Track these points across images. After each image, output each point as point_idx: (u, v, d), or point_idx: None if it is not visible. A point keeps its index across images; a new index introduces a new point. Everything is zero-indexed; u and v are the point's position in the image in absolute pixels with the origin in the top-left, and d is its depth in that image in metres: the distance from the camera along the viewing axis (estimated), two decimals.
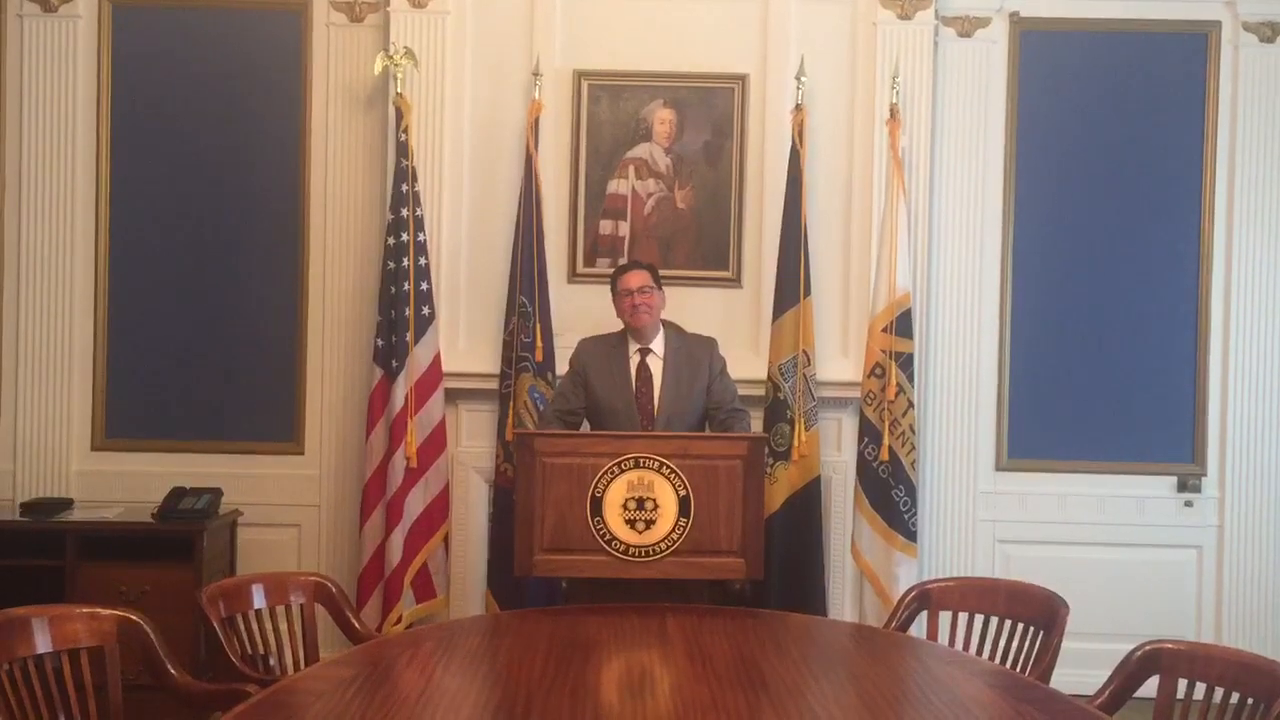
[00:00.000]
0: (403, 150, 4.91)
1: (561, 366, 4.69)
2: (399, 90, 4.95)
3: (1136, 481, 5.30)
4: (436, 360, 4.96)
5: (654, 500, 3.62)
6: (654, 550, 3.61)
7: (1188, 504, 5.29)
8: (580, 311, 5.01)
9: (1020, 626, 3.39)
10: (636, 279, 4.28)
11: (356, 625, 3.51)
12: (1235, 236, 5.26)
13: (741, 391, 4.50)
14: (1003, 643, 3.41)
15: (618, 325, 4.39)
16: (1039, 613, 3.34)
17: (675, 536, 3.61)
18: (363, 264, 5.24)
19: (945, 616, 3.56)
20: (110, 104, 5.25)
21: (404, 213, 4.87)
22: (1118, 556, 5.28)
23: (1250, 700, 2.62)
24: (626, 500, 3.62)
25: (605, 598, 3.59)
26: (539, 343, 4.89)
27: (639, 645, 3.12)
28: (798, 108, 4.95)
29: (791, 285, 4.88)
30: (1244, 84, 5.24)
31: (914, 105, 5.10)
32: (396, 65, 4.95)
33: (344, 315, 5.26)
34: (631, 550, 3.61)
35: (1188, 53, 5.28)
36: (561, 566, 3.72)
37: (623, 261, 4.89)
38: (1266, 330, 5.25)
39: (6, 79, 5.23)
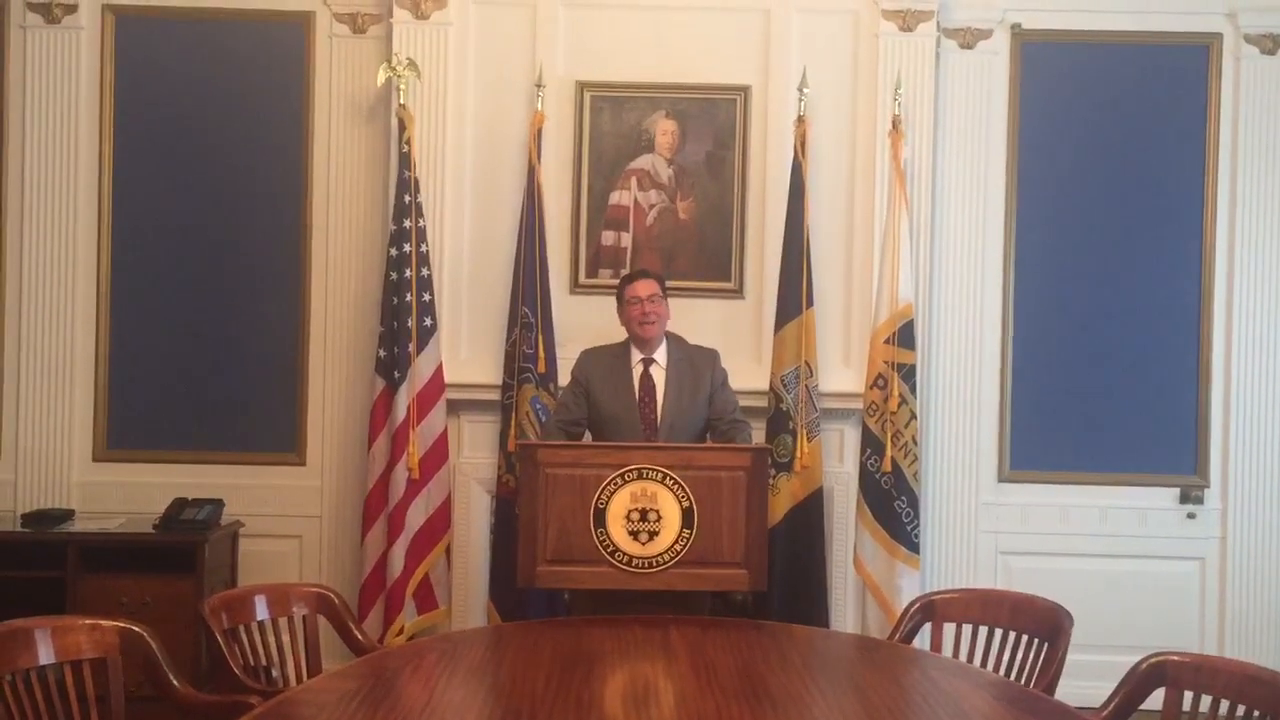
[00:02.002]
0: (405, 161, 4.91)
1: (564, 377, 4.68)
2: (401, 101, 4.95)
3: (1139, 493, 5.29)
4: (438, 371, 4.96)
5: (657, 511, 3.62)
6: (657, 561, 3.61)
7: (1190, 516, 5.28)
8: (582, 322, 5.00)
9: (1025, 638, 3.38)
10: (646, 288, 4.28)
11: (359, 636, 3.51)
12: (1237, 248, 5.25)
13: (743, 403, 4.51)
14: (1007, 655, 3.40)
15: (620, 335, 4.39)
16: (1043, 624, 3.34)
17: (679, 548, 3.60)
18: (365, 275, 5.24)
19: (949, 628, 3.55)
20: (113, 115, 5.26)
21: (406, 224, 4.87)
22: (1120, 568, 5.27)
23: (1257, 713, 2.62)
24: (629, 511, 3.61)
25: (608, 609, 3.58)
26: (541, 353, 4.89)
27: (642, 657, 3.11)
28: (800, 119, 4.96)
29: (794, 296, 4.88)
30: (1245, 96, 5.25)
31: (916, 116, 5.10)
32: (399, 76, 4.95)
33: (346, 326, 5.27)
34: (635, 561, 3.61)
35: (1189, 65, 5.29)
36: (564, 578, 3.71)
37: (625, 272, 4.89)
38: (1269, 342, 5.25)
39: (10, 90, 5.24)
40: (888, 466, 4.84)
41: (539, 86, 5.05)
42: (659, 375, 4.30)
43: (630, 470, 3.64)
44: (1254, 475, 5.25)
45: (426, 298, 4.91)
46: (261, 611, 3.40)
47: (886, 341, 4.88)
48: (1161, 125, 5.30)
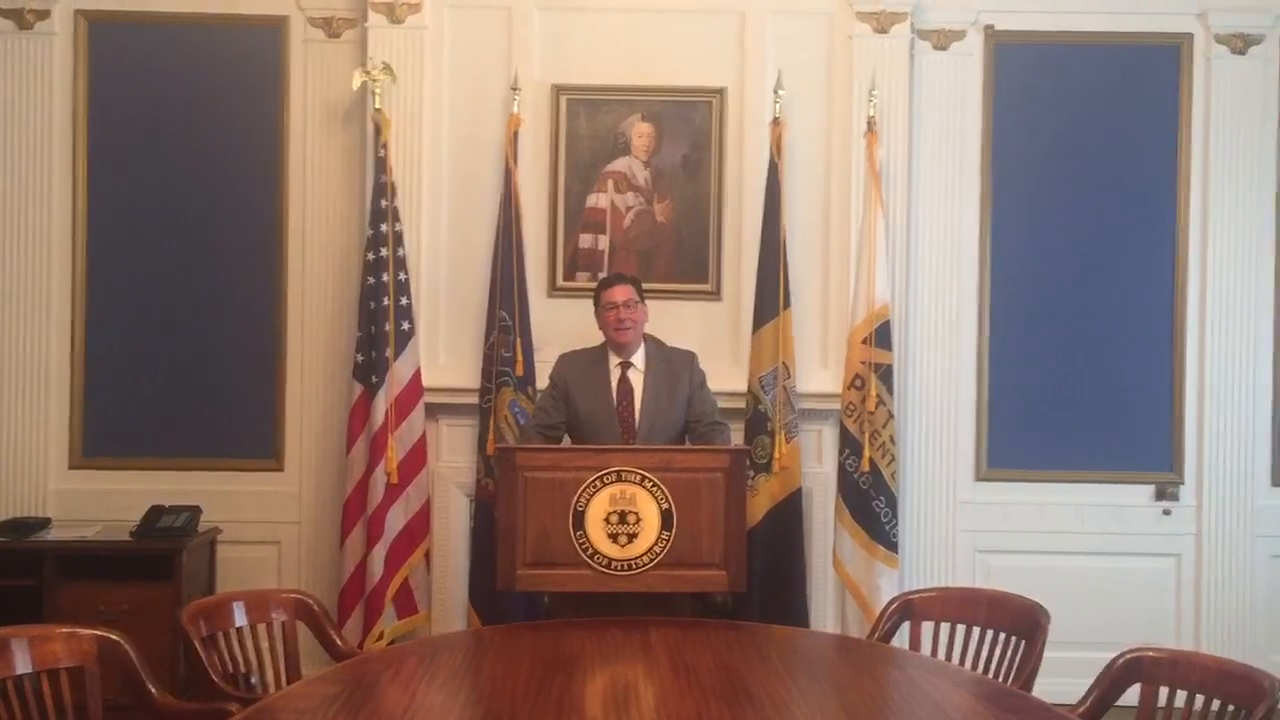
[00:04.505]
0: (381, 165, 4.90)
1: (542, 380, 4.68)
2: (377, 105, 4.94)
3: (1115, 490, 5.32)
4: (417, 375, 4.95)
5: (636, 513, 3.62)
6: (636, 564, 3.61)
7: (1166, 512, 5.32)
8: (561, 325, 5.00)
9: (1002, 636, 3.40)
10: (621, 293, 4.28)
11: (338, 642, 3.50)
12: (1210, 246, 5.29)
13: (722, 404, 4.52)
14: (985, 652, 3.42)
15: (598, 338, 4.39)
16: (1021, 622, 3.36)
17: (658, 550, 3.61)
18: (342, 279, 5.23)
19: (928, 627, 3.57)
20: (87, 121, 5.23)
21: (383, 228, 4.87)
22: (1097, 565, 5.30)
23: (1231, 707, 2.64)
24: (609, 514, 3.62)
25: (588, 611, 3.59)
26: (519, 357, 4.89)
27: (623, 659, 3.12)
28: (775, 121, 4.97)
29: (771, 297, 4.89)
30: (1216, 95, 5.28)
31: (891, 118, 5.13)
32: (375, 81, 4.94)
33: (323, 331, 5.25)
34: (614, 564, 3.61)
35: (1161, 64, 5.33)
36: (544, 581, 3.71)
37: (603, 275, 4.90)
38: (1242, 339, 5.29)
39: None
40: (866, 466, 4.86)
41: (515, 90, 5.05)
42: (637, 378, 4.31)
43: (609, 473, 3.64)
44: (1228, 472, 5.29)
45: (404, 302, 4.91)
46: (240, 618, 3.39)
47: (864, 342, 4.89)
48: (1134, 125, 5.33)
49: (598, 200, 5.21)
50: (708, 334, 5.09)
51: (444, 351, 5.19)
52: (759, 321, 4.91)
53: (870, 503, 4.87)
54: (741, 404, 4.92)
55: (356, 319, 4.96)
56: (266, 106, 5.28)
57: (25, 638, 2.82)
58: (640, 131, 5.19)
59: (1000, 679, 3.28)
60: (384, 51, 5.06)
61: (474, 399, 5.00)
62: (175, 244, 5.28)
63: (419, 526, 4.94)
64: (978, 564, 5.30)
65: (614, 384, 4.31)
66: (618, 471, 3.64)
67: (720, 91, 5.18)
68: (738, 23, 5.19)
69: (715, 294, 5.20)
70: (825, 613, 5.12)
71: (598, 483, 3.64)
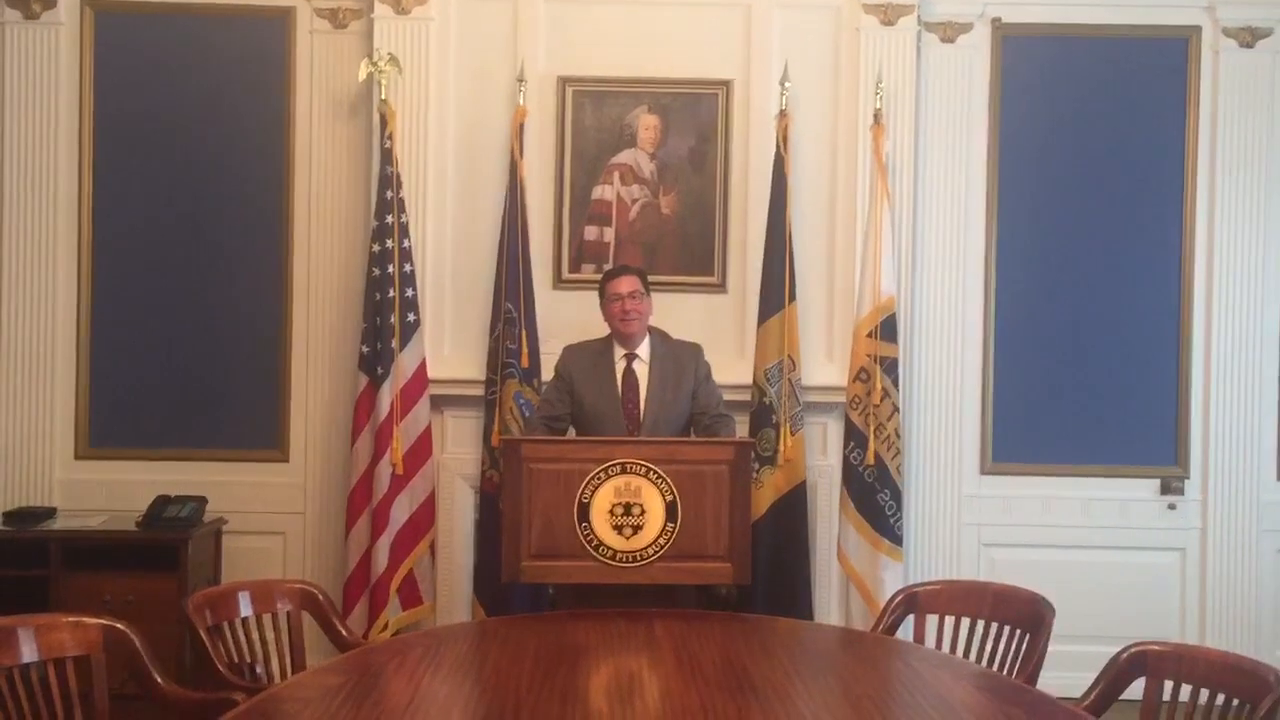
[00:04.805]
0: (387, 157, 4.90)
1: (547, 373, 4.68)
2: (383, 97, 4.94)
3: (1120, 484, 5.32)
4: (422, 367, 4.95)
5: (641, 505, 3.62)
6: (641, 555, 3.61)
7: (1171, 507, 5.31)
8: (566, 317, 5.00)
9: (1007, 629, 3.40)
10: (627, 284, 4.28)
11: (343, 633, 3.50)
12: (1216, 240, 5.28)
13: (727, 396, 4.51)
14: (989, 646, 3.42)
15: (604, 331, 4.39)
16: (1025, 616, 3.36)
17: (662, 542, 3.61)
18: (348, 271, 5.23)
19: (932, 620, 3.57)
20: (93, 111, 5.24)
21: (389, 219, 4.87)
22: (1102, 559, 5.30)
23: (1236, 701, 2.64)
24: (613, 506, 3.61)
25: (592, 603, 3.59)
26: (524, 349, 4.89)
27: (627, 650, 3.12)
28: (782, 113, 4.97)
29: (776, 290, 4.89)
30: (1224, 89, 5.27)
31: (897, 110, 5.12)
32: (380, 72, 4.94)
33: (329, 322, 5.26)
34: (619, 556, 3.61)
35: (1168, 58, 5.31)
36: (549, 572, 3.71)
37: (608, 267, 4.89)
38: (1248, 333, 5.28)
39: None
40: (871, 459, 4.86)
41: (521, 81, 5.05)
42: (642, 370, 4.31)
43: (614, 465, 3.64)
44: (1233, 466, 5.28)
45: (409, 293, 4.91)
46: (245, 608, 3.39)
47: (869, 335, 4.90)
48: (1141, 118, 5.33)
49: (603, 192, 5.21)
50: (713, 326, 5.09)
51: (449, 343, 5.19)
52: (764, 314, 4.92)
53: (875, 496, 4.87)
54: (746, 396, 4.92)
55: (362, 310, 4.97)
56: (272, 97, 5.28)
57: (32, 627, 2.82)
58: (646, 124, 5.19)
59: (1005, 672, 3.28)
60: (390, 43, 5.06)
61: (479, 391, 5.01)
62: (180, 234, 5.28)
63: (424, 518, 4.94)
64: (982, 557, 5.30)
65: (619, 376, 4.30)
66: (622, 463, 3.64)
67: (727, 84, 5.17)
68: (744, 15, 5.18)
69: (721, 286, 5.20)
70: (829, 605, 5.13)
71: (602, 475, 3.63)
